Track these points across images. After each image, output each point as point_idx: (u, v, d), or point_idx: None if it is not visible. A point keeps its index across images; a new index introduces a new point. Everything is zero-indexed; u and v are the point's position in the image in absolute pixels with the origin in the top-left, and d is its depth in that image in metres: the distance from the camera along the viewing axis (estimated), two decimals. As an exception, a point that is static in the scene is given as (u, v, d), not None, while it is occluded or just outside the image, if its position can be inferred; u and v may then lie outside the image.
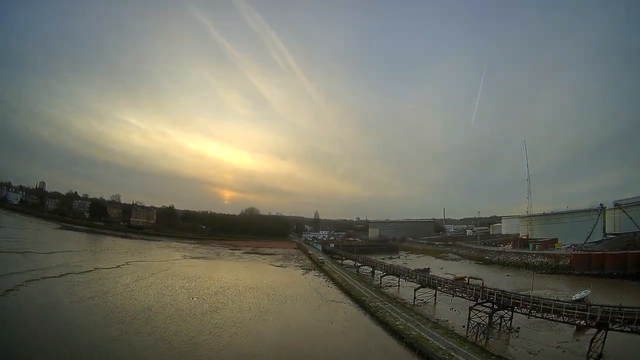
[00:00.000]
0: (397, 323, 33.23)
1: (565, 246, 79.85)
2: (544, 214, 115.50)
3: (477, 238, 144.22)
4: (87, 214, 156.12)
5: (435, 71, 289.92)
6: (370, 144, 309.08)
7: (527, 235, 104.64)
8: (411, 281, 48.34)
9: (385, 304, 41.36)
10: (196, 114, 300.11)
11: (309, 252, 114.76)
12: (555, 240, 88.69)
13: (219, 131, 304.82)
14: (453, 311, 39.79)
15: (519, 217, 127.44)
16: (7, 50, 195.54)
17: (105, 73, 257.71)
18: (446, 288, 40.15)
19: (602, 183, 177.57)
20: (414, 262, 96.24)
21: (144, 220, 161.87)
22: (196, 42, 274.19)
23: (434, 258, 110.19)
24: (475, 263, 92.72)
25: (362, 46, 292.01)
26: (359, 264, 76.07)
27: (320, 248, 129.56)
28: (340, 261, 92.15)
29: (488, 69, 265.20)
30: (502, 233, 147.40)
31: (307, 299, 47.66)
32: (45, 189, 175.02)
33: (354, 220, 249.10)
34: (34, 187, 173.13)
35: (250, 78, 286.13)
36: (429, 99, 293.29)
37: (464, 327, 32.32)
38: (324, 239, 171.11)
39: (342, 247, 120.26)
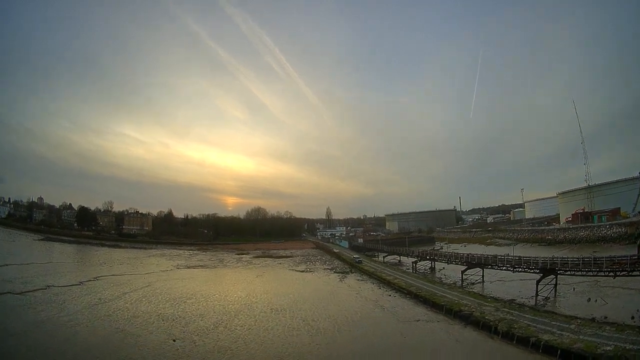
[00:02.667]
0: (575, 345, 18.43)
1: (633, 214, 73.14)
2: (589, 187, 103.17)
3: (522, 221, 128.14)
4: (75, 224, 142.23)
5: (431, 64, 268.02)
6: (371, 143, 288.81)
7: (584, 209, 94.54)
8: (521, 271, 36.03)
9: (509, 314, 26.28)
10: (194, 122, 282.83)
11: (334, 250, 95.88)
12: (618, 210, 79.84)
13: (219, 138, 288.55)
14: (595, 302, 29.50)
15: (557, 194, 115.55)
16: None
17: (99, 87, 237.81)
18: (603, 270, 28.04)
19: (598, 166, 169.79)
20: (463, 251, 79.40)
21: (138, 228, 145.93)
22: (190, 51, 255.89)
23: (482, 245, 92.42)
24: (538, 245, 79.35)
25: (358, 42, 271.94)
26: (415, 259, 56.93)
27: (346, 245, 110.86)
28: (382, 257, 74.50)
29: (483, 59, 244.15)
30: (527, 217, 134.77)
31: (373, 323, 28.55)
32: (44, 203, 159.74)
33: (361, 217, 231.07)
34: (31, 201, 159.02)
35: (247, 84, 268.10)
36: (429, 89, 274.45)
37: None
38: (343, 235, 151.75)
39: (382, 242, 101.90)
